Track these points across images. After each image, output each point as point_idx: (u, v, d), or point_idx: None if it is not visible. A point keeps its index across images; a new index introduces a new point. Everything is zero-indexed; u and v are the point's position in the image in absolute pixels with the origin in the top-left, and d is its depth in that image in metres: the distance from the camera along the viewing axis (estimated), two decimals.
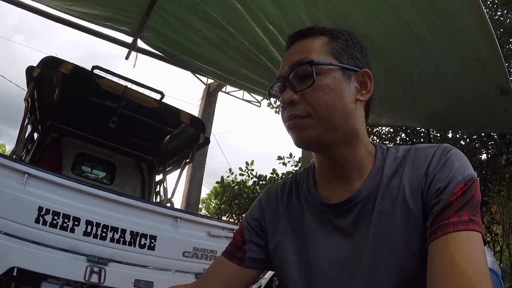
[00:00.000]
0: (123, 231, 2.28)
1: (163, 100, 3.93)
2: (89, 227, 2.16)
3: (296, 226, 0.85)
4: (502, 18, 6.14)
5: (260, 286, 3.88)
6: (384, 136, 7.51)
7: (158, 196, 4.90)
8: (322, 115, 0.74)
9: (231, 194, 9.67)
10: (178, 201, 9.01)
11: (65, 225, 2.08)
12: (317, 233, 0.81)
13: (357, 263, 0.74)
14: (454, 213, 0.64)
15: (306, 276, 0.80)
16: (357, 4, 2.35)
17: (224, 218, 9.29)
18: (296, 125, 0.76)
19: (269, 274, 3.80)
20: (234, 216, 9.52)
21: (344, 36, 0.82)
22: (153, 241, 2.38)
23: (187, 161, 4.50)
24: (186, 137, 4.37)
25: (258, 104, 10.94)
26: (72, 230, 2.10)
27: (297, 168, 9.58)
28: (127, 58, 3.88)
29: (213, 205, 16.33)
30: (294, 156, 9.76)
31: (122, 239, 2.26)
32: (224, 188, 9.90)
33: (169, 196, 4.54)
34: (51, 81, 3.49)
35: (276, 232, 0.88)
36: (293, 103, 0.76)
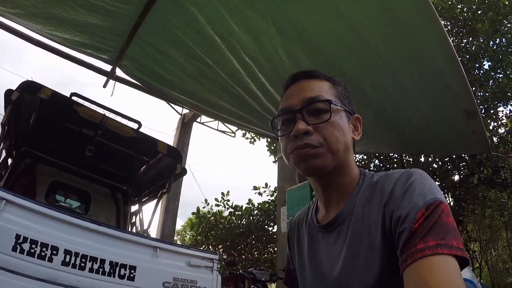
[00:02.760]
0: (102, 261, 2.20)
1: (140, 130, 3.92)
2: (68, 256, 2.07)
3: (302, 246, 1.00)
4: (468, 46, 6.56)
5: None
6: (358, 163, 7.68)
7: (134, 227, 4.77)
8: (332, 146, 0.85)
9: (207, 225, 9.52)
10: (153, 233, 8.76)
11: (43, 254, 2.00)
12: (310, 251, 0.95)
13: (331, 280, 0.85)
14: (420, 240, 0.66)
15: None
16: (331, 38, 2.46)
17: None
18: (308, 154, 0.85)
19: None
20: (210, 247, 9.32)
21: (342, 84, 0.96)
22: (132, 271, 2.31)
23: (163, 191, 4.45)
24: (163, 167, 4.34)
25: (233, 135, 11.05)
26: (50, 260, 2.01)
27: (272, 197, 9.58)
28: (105, 86, 3.87)
29: (188, 236, 15.91)
30: (269, 186, 9.80)
31: (101, 270, 2.17)
32: (200, 219, 9.74)
33: (145, 227, 4.43)
34: (29, 106, 3.43)
35: (295, 253, 1.05)
36: (308, 134, 0.85)
